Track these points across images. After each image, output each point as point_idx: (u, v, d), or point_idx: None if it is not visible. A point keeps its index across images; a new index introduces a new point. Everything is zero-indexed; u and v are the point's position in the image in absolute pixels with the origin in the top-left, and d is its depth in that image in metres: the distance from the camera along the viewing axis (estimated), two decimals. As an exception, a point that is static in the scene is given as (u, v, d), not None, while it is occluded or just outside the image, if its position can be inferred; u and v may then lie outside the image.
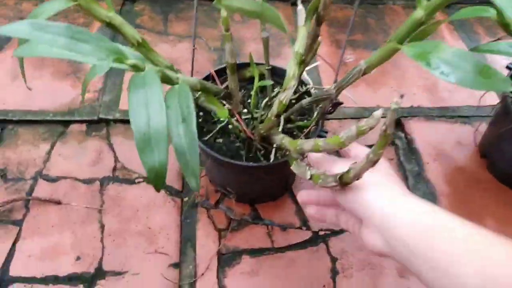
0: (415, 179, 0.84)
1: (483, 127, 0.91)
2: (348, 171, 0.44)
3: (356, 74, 0.50)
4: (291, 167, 0.54)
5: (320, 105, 0.66)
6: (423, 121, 0.94)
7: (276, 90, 0.72)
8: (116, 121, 0.88)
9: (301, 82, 0.72)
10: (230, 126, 0.70)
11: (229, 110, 0.65)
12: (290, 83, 0.53)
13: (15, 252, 0.69)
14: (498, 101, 0.85)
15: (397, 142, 0.90)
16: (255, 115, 0.67)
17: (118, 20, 0.49)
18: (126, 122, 0.88)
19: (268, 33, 0.64)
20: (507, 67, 0.80)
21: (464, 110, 0.96)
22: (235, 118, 0.66)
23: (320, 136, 0.65)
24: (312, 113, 0.70)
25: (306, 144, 0.51)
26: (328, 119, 0.90)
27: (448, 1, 0.43)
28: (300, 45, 0.53)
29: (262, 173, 0.67)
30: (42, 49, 0.43)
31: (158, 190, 0.39)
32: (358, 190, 0.46)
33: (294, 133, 0.69)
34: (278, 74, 0.72)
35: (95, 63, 0.40)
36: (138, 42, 0.51)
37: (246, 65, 0.70)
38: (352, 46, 1.08)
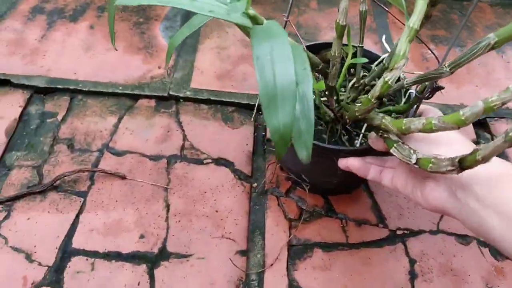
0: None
1: None
2: (473, 153, 0.38)
3: (482, 49, 0.43)
4: (391, 151, 0.48)
5: (412, 89, 0.60)
6: (511, 123, 0.86)
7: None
8: (186, 99, 0.84)
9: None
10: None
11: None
12: (400, 62, 0.46)
13: (78, 224, 0.67)
14: None
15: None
16: (341, 97, 0.62)
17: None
18: (197, 101, 0.84)
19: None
20: None
21: (557, 114, 0.88)
22: (322, 97, 0.61)
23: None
24: (400, 98, 0.64)
25: (415, 123, 0.45)
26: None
27: None
28: (416, 20, 0.46)
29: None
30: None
31: (279, 156, 0.34)
32: (432, 144, 0.46)
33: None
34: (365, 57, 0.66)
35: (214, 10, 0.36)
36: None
37: (327, 46, 0.65)
38: (433, 41, 1.01)
